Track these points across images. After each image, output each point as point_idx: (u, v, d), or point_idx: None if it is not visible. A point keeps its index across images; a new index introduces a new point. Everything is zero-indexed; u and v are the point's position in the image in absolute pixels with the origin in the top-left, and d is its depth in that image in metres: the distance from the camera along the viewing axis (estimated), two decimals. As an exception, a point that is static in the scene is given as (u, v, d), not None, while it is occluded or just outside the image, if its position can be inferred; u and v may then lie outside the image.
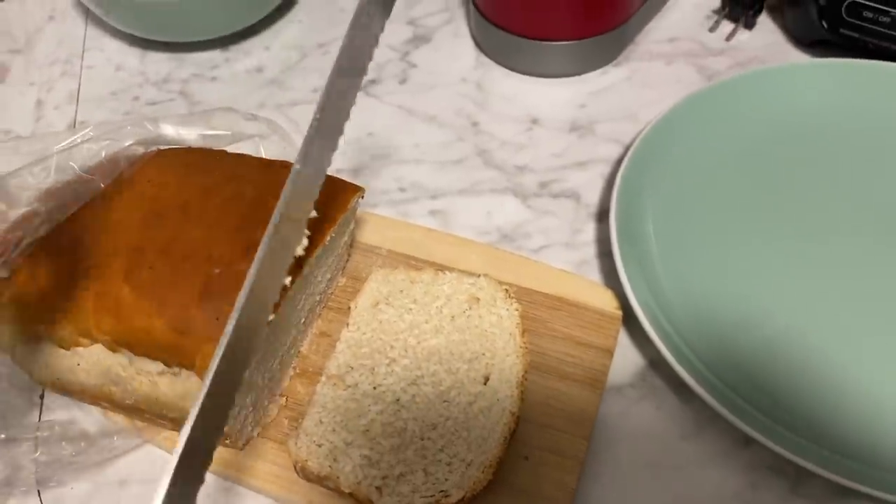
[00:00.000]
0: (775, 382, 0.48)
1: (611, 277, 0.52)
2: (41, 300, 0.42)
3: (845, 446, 0.45)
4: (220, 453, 0.46)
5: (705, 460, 0.46)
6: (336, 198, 0.47)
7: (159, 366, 0.42)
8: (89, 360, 0.43)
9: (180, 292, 0.40)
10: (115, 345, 0.41)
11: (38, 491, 0.47)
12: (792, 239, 0.54)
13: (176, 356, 0.40)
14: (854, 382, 0.48)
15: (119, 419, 0.48)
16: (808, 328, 0.50)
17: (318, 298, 0.50)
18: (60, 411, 0.49)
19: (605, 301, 0.52)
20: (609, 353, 0.50)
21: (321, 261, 0.47)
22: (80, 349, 0.42)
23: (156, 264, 0.41)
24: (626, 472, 0.46)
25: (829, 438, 0.45)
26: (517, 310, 0.49)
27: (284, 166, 0.48)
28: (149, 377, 0.42)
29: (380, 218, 0.58)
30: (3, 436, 0.46)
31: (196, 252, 0.41)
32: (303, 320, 0.48)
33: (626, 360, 0.51)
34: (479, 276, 0.51)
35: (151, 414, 0.44)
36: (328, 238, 0.45)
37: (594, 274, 0.55)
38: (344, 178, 0.50)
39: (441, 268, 0.53)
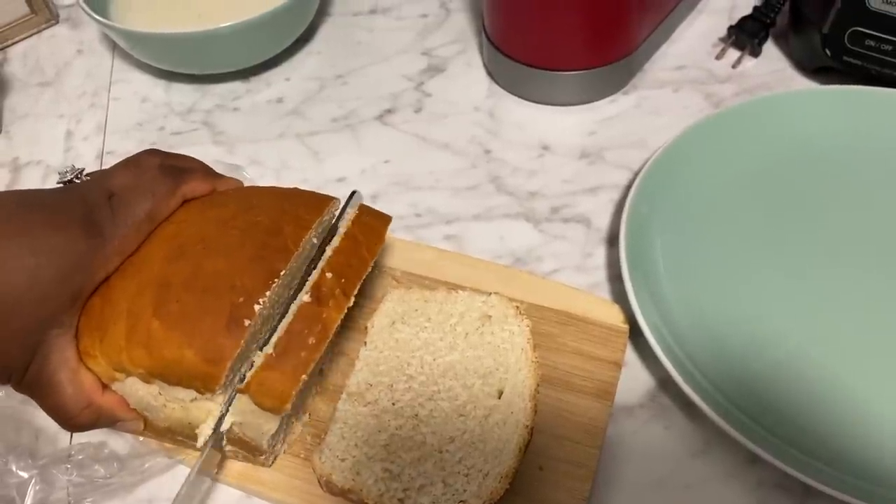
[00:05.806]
0: (782, 402, 0.48)
1: (621, 300, 0.53)
2: (76, 338, 0.43)
3: (852, 465, 0.45)
4: (245, 469, 0.48)
5: (713, 478, 0.47)
6: (375, 229, 0.49)
7: (192, 393, 0.43)
8: (122, 390, 0.44)
9: (208, 323, 0.41)
10: (148, 376, 0.43)
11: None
12: (798, 263, 0.55)
13: (208, 383, 0.42)
14: (861, 402, 0.48)
15: (150, 442, 0.49)
16: (814, 348, 0.51)
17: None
18: (91, 434, 0.49)
19: (612, 315, 0.53)
20: (617, 365, 0.51)
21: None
22: (115, 383, 0.44)
23: (182, 297, 0.42)
24: (637, 491, 0.47)
25: (836, 457, 0.45)
26: (527, 326, 0.50)
27: (296, 194, 0.49)
28: (181, 403, 0.44)
29: (393, 240, 0.59)
30: (40, 462, 0.48)
31: (219, 283, 0.42)
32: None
33: (636, 381, 0.52)
34: (489, 294, 0.52)
35: (183, 436, 0.46)
36: (369, 268, 0.47)
37: (604, 297, 0.56)
38: (362, 205, 0.51)
39: (453, 287, 0.54)
